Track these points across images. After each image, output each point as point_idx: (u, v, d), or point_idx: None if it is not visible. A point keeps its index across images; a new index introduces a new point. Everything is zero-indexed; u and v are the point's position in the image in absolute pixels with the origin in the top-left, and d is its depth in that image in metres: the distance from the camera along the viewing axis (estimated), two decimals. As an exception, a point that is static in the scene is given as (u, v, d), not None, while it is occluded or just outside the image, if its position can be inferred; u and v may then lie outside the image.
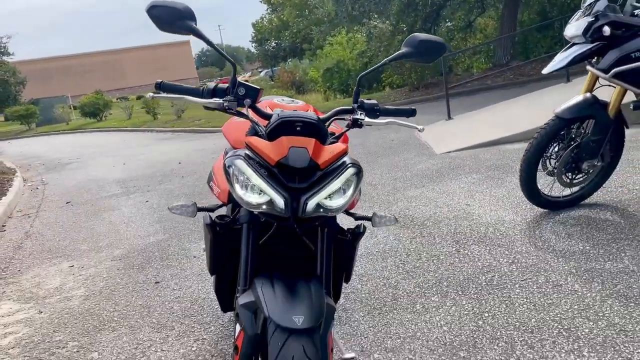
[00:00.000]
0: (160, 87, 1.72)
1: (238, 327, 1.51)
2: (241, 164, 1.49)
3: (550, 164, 3.57)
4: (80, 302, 3.43)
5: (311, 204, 1.46)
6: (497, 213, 3.87)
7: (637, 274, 2.63)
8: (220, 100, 1.68)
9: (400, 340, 2.39)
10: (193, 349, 2.62)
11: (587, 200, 3.73)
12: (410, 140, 7.59)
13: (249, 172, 1.48)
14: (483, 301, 2.62)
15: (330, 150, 1.51)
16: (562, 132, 3.46)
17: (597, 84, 3.41)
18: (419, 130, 1.82)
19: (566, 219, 3.53)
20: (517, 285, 2.72)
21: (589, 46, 3.19)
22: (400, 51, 1.78)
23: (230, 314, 2.72)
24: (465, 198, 4.37)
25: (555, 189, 3.69)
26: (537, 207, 3.76)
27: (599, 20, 3.10)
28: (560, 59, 3.32)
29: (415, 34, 1.80)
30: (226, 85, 1.72)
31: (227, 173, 1.52)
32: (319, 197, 1.46)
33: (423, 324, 2.50)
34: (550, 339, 2.21)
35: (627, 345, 2.09)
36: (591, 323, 2.28)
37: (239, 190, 1.50)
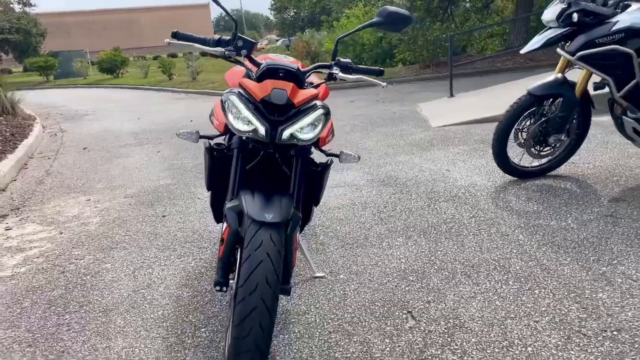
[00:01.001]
0: (176, 35, 2.14)
1: (224, 225, 1.97)
2: (234, 99, 1.93)
3: (522, 137, 3.98)
4: (96, 227, 3.92)
5: (286, 133, 1.90)
6: (472, 178, 4.29)
7: (575, 231, 3.06)
8: (222, 49, 2.11)
9: (364, 266, 2.85)
10: (191, 265, 3.10)
11: (553, 172, 4.14)
12: (410, 115, 7.96)
13: (240, 105, 1.91)
14: (439, 243, 3.07)
15: (304, 93, 1.94)
16: (534, 108, 3.85)
17: (569, 67, 3.78)
18: (383, 87, 2.24)
19: (530, 186, 3.95)
20: (471, 234, 3.16)
21: (561, 30, 3.56)
22: (372, 20, 2.18)
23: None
24: (447, 165, 4.79)
25: (525, 160, 4.09)
26: (508, 176, 4.17)
27: (571, 7, 3.46)
28: (536, 41, 3.69)
29: (386, 6, 2.20)
30: (228, 37, 2.15)
31: (222, 106, 1.96)
32: (293, 128, 1.90)
33: (385, 256, 2.95)
34: (485, 272, 2.66)
35: (546, 279, 2.53)
36: (523, 262, 2.73)
37: (231, 120, 1.93)
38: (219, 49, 2.11)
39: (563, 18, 3.50)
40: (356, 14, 19.01)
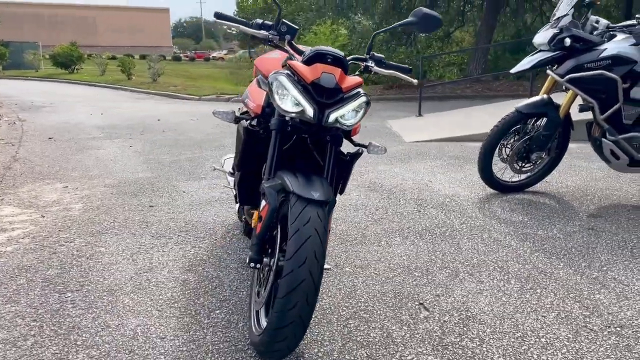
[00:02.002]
0: (219, 16, 2.18)
1: (263, 202, 1.99)
2: (283, 79, 1.97)
3: (505, 152, 4.18)
4: (80, 213, 3.81)
5: (332, 116, 1.95)
6: (454, 189, 4.46)
7: (562, 240, 3.24)
8: (267, 33, 2.15)
9: (367, 261, 2.91)
10: (191, 252, 3.07)
11: (530, 189, 4.35)
12: (382, 130, 8.15)
13: (289, 86, 1.96)
14: (436, 244, 3.17)
15: (350, 80, 2.00)
16: (519, 126, 4.06)
17: (553, 89, 4.02)
18: (415, 85, 2.34)
19: (511, 199, 4.14)
20: (465, 237, 3.29)
21: (552, 54, 3.79)
22: (407, 19, 2.28)
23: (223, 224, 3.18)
24: (428, 176, 4.95)
25: (506, 175, 4.29)
26: (488, 189, 4.36)
27: (563, 33, 3.70)
28: (527, 62, 3.92)
29: (421, 7, 2.31)
30: (271, 22, 2.20)
31: (270, 87, 2.00)
32: (339, 113, 1.96)
33: (386, 253, 3.03)
34: (486, 272, 2.78)
35: (545, 280, 2.67)
36: (520, 265, 2.87)
37: (278, 100, 1.97)
38: (263, 32, 2.16)
39: (555, 42, 3.73)
40: (323, 31, 19.28)
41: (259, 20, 2.21)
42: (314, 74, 1.96)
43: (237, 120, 2.30)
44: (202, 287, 2.62)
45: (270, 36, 2.15)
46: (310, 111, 1.94)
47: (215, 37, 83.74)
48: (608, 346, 2.08)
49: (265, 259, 1.99)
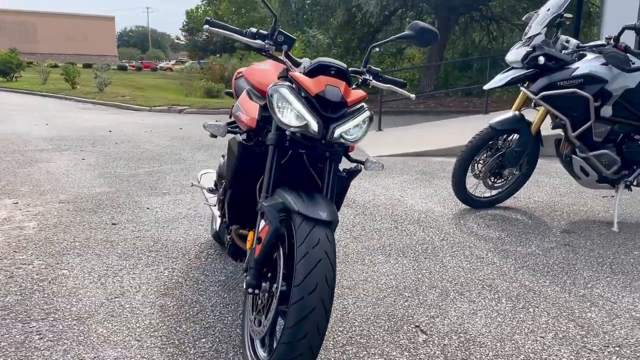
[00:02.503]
0: (209, 23, 2.04)
1: (262, 223, 1.85)
2: (285, 92, 1.85)
3: (478, 168, 4.19)
4: (35, 232, 3.53)
5: (337, 132, 1.85)
6: (427, 205, 4.43)
7: (542, 257, 3.24)
8: (263, 42, 2.03)
9: (354, 281, 2.80)
10: (164, 274, 2.87)
11: (500, 204, 4.38)
12: (343, 143, 8.09)
13: (292, 99, 1.84)
14: (421, 262, 3.11)
15: (355, 93, 1.90)
16: (492, 142, 4.08)
17: (524, 106, 4.07)
18: (412, 99, 2.27)
19: (485, 215, 4.14)
20: (447, 255, 3.24)
21: (525, 72, 3.83)
22: (404, 32, 2.21)
23: (196, 245, 3.00)
24: (399, 191, 4.91)
25: (479, 190, 4.30)
26: (460, 204, 4.35)
27: (536, 51, 3.75)
28: (500, 79, 3.95)
29: (417, 21, 2.25)
30: (266, 32, 2.08)
31: (269, 100, 1.87)
32: (344, 127, 1.85)
33: (372, 272, 2.93)
34: (476, 291, 2.73)
35: (535, 299, 2.64)
36: (507, 283, 2.83)
37: (279, 114, 1.85)
38: (259, 42, 2.03)
39: (528, 60, 3.77)
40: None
41: (253, 29, 2.08)
42: (318, 87, 1.85)
43: (230, 133, 2.15)
44: (183, 313, 2.43)
45: (266, 46, 2.02)
46: (314, 126, 1.83)
47: (163, 47, 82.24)
48: (611, 367, 2.05)
49: (263, 284, 1.85)
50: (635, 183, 3.94)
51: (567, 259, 3.22)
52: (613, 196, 4.73)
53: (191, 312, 2.43)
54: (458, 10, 15.12)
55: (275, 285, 1.78)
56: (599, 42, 3.78)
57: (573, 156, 3.90)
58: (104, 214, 3.98)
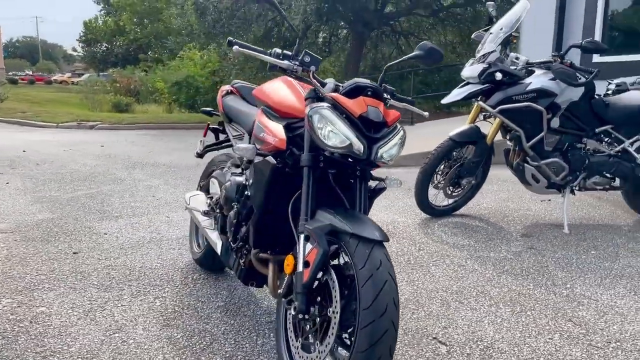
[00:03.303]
0: (237, 44, 2.01)
1: (309, 246, 1.82)
2: (328, 113, 1.84)
3: (437, 178, 4.36)
4: (-12, 266, 3.20)
5: (380, 152, 1.86)
6: (390, 215, 4.54)
7: (515, 261, 3.44)
8: (291, 63, 2.00)
9: (356, 298, 2.81)
10: (157, 304, 2.71)
11: (457, 212, 4.58)
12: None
13: (336, 120, 1.83)
14: (410, 273, 3.18)
15: (392, 113, 1.93)
16: (453, 153, 4.28)
17: (478, 118, 4.31)
18: (425, 117, 2.34)
19: (447, 223, 4.32)
20: (431, 264, 3.34)
21: (481, 86, 4.06)
22: (415, 52, 2.27)
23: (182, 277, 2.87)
24: (356, 204, 4.98)
25: (437, 199, 4.47)
26: (419, 214, 4.50)
27: (492, 68, 3.99)
28: (458, 93, 4.15)
29: (425, 41, 2.32)
30: (290, 52, 2.06)
31: (310, 121, 1.85)
32: (387, 147, 1.88)
33: (369, 287, 2.96)
34: (472, 298, 2.84)
35: (528, 302, 2.80)
36: (497, 289, 2.97)
37: (321, 136, 1.84)
38: (286, 62, 2.01)
39: (485, 76, 4.00)
40: (191, 56, 18.82)
41: (278, 50, 2.06)
42: (361, 108, 1.86)
43: (259, 155, 2.08)
44: (195, 344, 2.31)
45: (294, 67, 2.00)
46: (359, 146, 1.83)
47: (55, 59, 77.45)
48: (621, 361, 2.22)
49: (311, 308, 1.82)
50: (578, 187, 4.28)
51: (538, 261, 3.43)
52: (550, 200, 5.13)
53: (204, 343, 2.32)
54: (371, 25, 15.64)
55: (330, 310, 1.75)
56: (546, 59, 4.09)
57: (525, 165, 4.17)
58: (59, 242, 3.69)
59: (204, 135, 3.49)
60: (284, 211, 2.02)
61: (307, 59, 2.05)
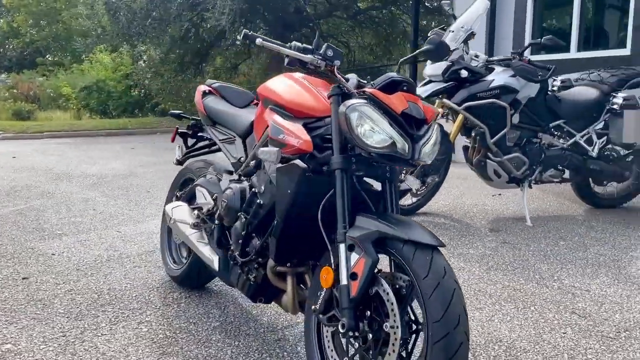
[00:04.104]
0: (251, 37, 1.81)
1: (354, 256, 1.66)
2: (369, 110, 1.69)
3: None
4: None
5: (423, 151, 1.74)
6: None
7: (496, 256, 3.45)
8: (315, 57, 1.83)
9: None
10: (143, 330, 2.43)
11: (419, 211, 4.58)
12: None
13: (378, 117, 1.69)
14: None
15: (430, 110, 1.81)
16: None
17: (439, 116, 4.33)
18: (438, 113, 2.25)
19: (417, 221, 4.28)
20: (418, 266, 3.27)
21: (445, 85, 4.07)
22: (425, 47, 2.19)
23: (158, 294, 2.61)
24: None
25: (403, 198, 4.44)
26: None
27: (455, 65, 4.00)
28: (423, 91, 4.12)
29: (434, 36, 2.24)
30: (310, 47, 1.89)
31: (347, 119, 1.69)
32: (428, 146, 1.75)
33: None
34: (474, 297, 2.79)
35: (526, 297, 2.79)
36: (492, 286, 2.95)
37: (361, 135, 1.68)
38: (309, 56, 1.83)
39: (449, 74, 4.01)
40: (100, 59, 17.77)
41: (299, 44, 1.88)
42: (403, 104, 1.72)
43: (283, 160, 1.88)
44: (205, 372, 2.07)
45: (317, 61, 1.83)
46: (402, 144, 1.70)
47: None
48: (637, 349, 2.25)
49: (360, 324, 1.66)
50: (534, 181, 4.41)
51: (517, 255, 3.47)
52: (500, 194, 5.28)
53: (214, 370, 2.09)
54: (293, 28, 15.54)
55: (387, 324, 1.60)
56: (505, 57, 4.17)
57: (487, 160, 4.23)
58: (2, 267, 3.24)
59: (172, 141, 3.21)
60: (310, 219, 1.85)
61: (330, 53, 1.88)
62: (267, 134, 2.06)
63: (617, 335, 2.37)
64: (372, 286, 1.66)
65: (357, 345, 1.67)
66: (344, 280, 1.67)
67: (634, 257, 3.39)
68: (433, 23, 16.22)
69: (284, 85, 2.08)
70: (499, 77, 4.03)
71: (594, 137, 4.36)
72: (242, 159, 2.37)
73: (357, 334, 1.65)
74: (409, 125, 1.73)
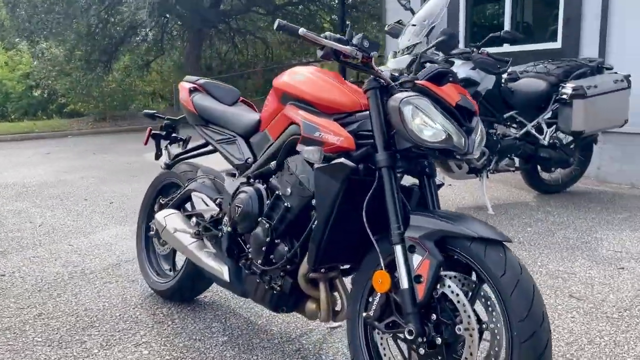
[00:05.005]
0: (285, 27, 1.68)
1: (417, 258, 1.57)
2: (425, 104, 1.60)
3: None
4: None
5: (476, 144, 1.68)
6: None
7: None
8: (355, 49, 1.72)
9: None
10: (144, 353, 2.19)
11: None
12: (155, 166, 7.37)
13: (434, 111, 1.60)
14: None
15: (474, 103, 1.76)
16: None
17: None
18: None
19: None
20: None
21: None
22: (440, 38, 2.14)
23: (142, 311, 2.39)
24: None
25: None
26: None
27: (421, 59, 4.00)
28: (386, 85, 4.10)
29: (446, 28, 2.20)
30: (345, 37, 1.77)
31: (401, 113, 1.60)
32: (479, 138, 1.70)
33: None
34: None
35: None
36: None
37: (416, 129, 1.60)
38: (349, 48, 1.71)
39: (414, 67, 4.00)
40: (-4, 59, 16.30)
41: (332, 34, 1.75)
42: (456, 95, 1.66)
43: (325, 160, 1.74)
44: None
45: (356, 52, 1.72)
46: (461, 140, 1.63)
47: None
48: (645, 328, 2.35)
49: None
50: (491, 170, 4.55)
51: (493, 244, 3.54)
52: (451, 185, 5.41)
53: (244, 390, 1.92)
54: (209, 23, 15.10)
55: (461, 327, 1.52)
56: (464, 50, 4.25)
57: (449, 152, 4.29)
58: (-56, 294, 2.83)
59: (145, 143, 2.95)
60: (352, 221, 1.74)
61: (366, 44, 1.77)
62: (291, 132, 1.92)
63: (621, 316, 2.46)
64: (437, 288, 1.58)
65: (422, 351, 1.58)
66: (404, 283, 1.58)
67: (599, 239, 3.57)
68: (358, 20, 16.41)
69: (306, 80, 1.94)
70: (460, 70, 4.09)
71: (544, 126, 4.56)
72: (249, 159, 2.20)
73: (424, 339, 1.56)
74: (463, 118, 1.67)
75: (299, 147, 1.84)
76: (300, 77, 1.98)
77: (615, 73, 4.48)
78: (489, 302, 1.54)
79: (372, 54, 1.78)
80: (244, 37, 17.83)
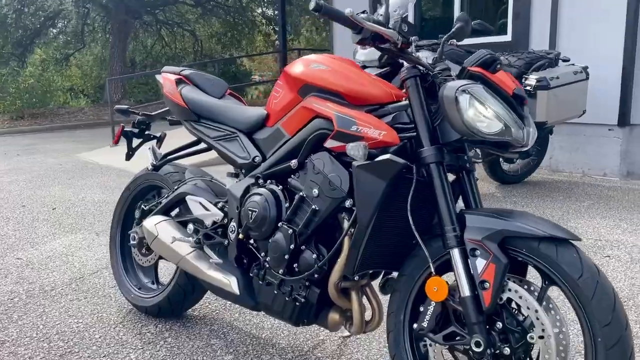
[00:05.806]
0: (324, 8, 1.50)
1: (480, 262, 1.42)
2: (483, 92, 1.47)
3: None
4: None
5: (532, 135, 1.56)
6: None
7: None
8: (397, 32, 1.56)
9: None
10: (142, 381, 1.92)
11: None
12: (89, 166, 6.88)
13: (492, 100, 1.47)
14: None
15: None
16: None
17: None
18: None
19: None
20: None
21: (380, 70, 3.93)
22: (458, 24, 2.01)
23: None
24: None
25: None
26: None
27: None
28: (357, 77, 3.96)
29: (463, 12, 2.08)
30: (380, 19, 1.60)
31: (457, 104, 1.45)
32: (532, 128, 1.58)
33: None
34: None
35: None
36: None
37: (473, 121, 1.45)
38: (391, 31, 1.56)
39: (385, 59, 3.89)
40: None
41: (372, 16, 1.58)
42: (512, 83, 1.53)
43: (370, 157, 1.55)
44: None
45: (397, 37, 1.56)
46: (519, 132, 1.50)
47: None
48: (653, 317, 2.36)
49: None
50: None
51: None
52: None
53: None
54: (138, 14, 14.36)
55: (534, 335, 1.40)
56: (434, 41, 4.18)
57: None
58: None
59: (116, 142, 2.65)
60: (395, 221, 1.58)
61: (405, 28, 1.62)
62: (315, 127, 1.73)
63: (628, 307, 2.46)
64: (501, 294, 1.45)
65: (487, 362, 1.45)
66: (466, 291, 1.44)
67: (574, 228, 3.62)
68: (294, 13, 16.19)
69: (332, 70, 1.77)
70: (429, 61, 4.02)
71: (508, 118, 4.60)
72: (256, 158, 1.97)
73: (492, 350, 1.43)
74: (520, 107, 1.55)
75: (329, 143, 1.66)
76: (323, 66, 1.79)
77: (573, 65, 4.58)
78: (550, 305, 1.44)
79: (412, 39, 1.63)
80: (171, 30, 17.12)
